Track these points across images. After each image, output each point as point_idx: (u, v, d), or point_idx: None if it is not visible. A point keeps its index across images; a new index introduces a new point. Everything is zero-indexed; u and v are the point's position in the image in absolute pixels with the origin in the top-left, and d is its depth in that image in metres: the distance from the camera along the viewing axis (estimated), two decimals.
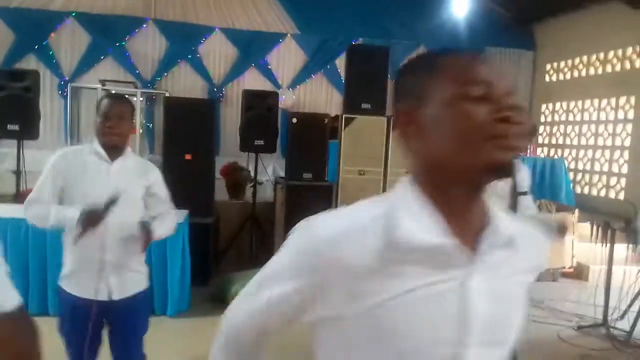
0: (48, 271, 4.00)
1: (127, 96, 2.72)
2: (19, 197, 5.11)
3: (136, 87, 5.93)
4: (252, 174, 6.19)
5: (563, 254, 5.93)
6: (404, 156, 0.82)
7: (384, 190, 5.59)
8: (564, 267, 5.93)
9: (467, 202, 0.79)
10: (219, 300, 4.53)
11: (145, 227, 2.27)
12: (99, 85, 5.84)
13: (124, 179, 2.27)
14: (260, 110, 5.72)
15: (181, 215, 4.18)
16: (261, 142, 5.68)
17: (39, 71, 5.63)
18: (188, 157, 5.32)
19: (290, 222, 5.53)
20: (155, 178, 2.45)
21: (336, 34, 8.78)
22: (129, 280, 2.34)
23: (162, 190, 2.47)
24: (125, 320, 2.33)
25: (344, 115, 5.45)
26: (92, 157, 2.30)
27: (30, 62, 7.78)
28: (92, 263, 2.22)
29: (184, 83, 8.48)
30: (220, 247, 5.94)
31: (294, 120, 5.48)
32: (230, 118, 8.44)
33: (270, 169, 7.17)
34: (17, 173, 5.08)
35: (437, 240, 0.74)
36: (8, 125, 4.88)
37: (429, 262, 0.74)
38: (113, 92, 6.25)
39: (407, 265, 0.74)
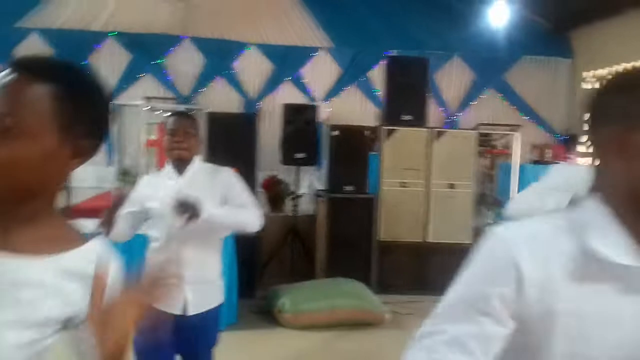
0: None
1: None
2: (68, 212, 5.25)
3: (178, 103, 6.05)
4: (291, 186, 6.23)
5: None
6: (597, 174, 0.80)
7: (426, 202, 5.57)
8: None
9: None
10: (266, 313, 4.56)
11: (187, 201, 2.21)
12: (141, 102, 5.97)
13: (193, 189, 2.30)
14: (300, 123, 5.77)
15: None
16: (302, 155, 5.72)
17: None
18: (233, 170, 5.39)
19: (333, 234, 5.57)
20: (227, 180, 2.46)
21: (369, 46, 8.80)
22: (206, 294, 2.35)
23: (237, 190, 2.45)
24: (197, 335, 2.35)
25: (384, 127, 5.45)
26: (163, 177, 2.38)
27: None
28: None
29: (220, 98, 8.59)
30: (261, 259, 5.98)
31: (335, 132, 5.51)
32: (266, 131, 8.50)
33: (305, 181, 7.21)
34: (66, 188, 5.20)
35: (634, 262, 0.73)
36: None
37: (622, 282, 0.73)
38: (179, 109, 6.41)
39: (602, 281, 0.73)
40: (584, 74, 8.88)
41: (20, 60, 0.75)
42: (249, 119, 5.67)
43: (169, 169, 2.43)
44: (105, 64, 8.30)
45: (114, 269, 0.87)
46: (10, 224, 0.78)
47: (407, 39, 8.82)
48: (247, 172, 5.70)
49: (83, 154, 0.80)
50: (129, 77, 8.28)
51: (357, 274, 5.13)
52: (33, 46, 7.98)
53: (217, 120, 5.55)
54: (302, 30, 8.79)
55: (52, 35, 8.02)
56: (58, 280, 0.79)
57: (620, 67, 8.02)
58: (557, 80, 9.23)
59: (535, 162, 7.22)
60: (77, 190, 5.51)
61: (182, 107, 5.93)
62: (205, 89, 8.60)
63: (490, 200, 6.36)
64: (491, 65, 8.99)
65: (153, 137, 6.13)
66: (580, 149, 8.82)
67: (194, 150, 2.38)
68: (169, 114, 2.55)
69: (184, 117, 2.42)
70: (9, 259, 0.76)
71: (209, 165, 2.52)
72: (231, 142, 5.33)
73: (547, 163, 7.30)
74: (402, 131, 5.43)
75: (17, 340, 0.73)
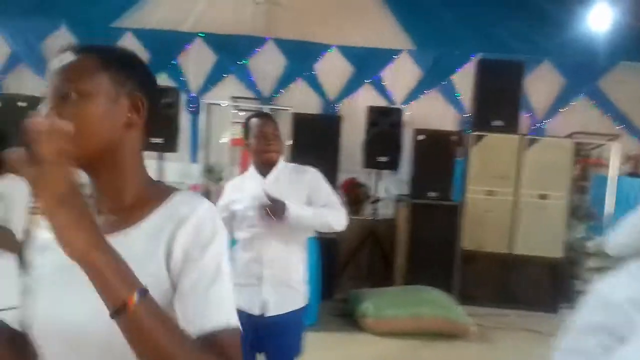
0: None
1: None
2: None
3: (261, 104, 6.14)
4: (370, 190, 6.16)
5: None
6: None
7: (515, 212, 5.32)
8: None
9: None
10: (348, 316, 4.52)
11: (272, 201, 2.19)
12: (227, 102, 6.11)
13: (278, 190, 2.28)
14: (384, 126, 5.68)
15: None
16: (385, 159, 5.63)
17: None
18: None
19: (413, 240, 5.44)
20: (313, 180, 2.43)
21: (453, 48, 8.57)
22: (287, 296, 2.32)
23: (323, 190, 2.43)
24: (277, 336, 2.31)
25: (472, 133, 5.26)
26: (247, 179, 2.38)
27: (161, 80, 8.34)
28: (251, 277, 2.25)
29: (300, 99, 8.65)
30: (340, 262, 5.94)
31: (420, 137, 5.38)
32: (346, 134, 8.50)
33: (383, 185, 7.11)
34: None
35: None
36: (151, 139, 5.20)
37: None
38: (263, 110, 6.53)
39: None
40: None
41: (70, 45, 0.87)
42: (332, 121, 5.67)
43: (252, 171, 2.43)
44: (193, 63, 8.58)
45: (201, 215, 0.86)
46: (100, 205, 0.87)
47: (492, 41, 8.50)
48: (329, 173, 5.68)
49: (140, 110, 0.88)
50: (214, 77, 8.53)
51: (437, 282, 4.97)
52: (127, 45, 8.36)
53: (302, 121, 5.57)
54: (384, 32, 8.69)
55: (145, 35, 8.39)
56: (148, 248, 0.83)
57: None
58: None
59: (631, 175, 6.75)
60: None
61: (267, 108, 6.00)
62: (285, 90, 8.71)
63: (584, 213, 5.99)
64: (584, 71, 8.50)
65: (237, 136, 6.25)
66: None
67: (281, 152, 2.40)
68: (251, 115, 2.54)
69: (271, 120, 2.42)
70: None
71: (293, 166, 2.50)
72: (314, 143, 5.34)
73: None
74: (491, 137, 5.21)
75: None
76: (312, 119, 5.62)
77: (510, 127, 5.23)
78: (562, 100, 8.70)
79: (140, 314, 0.69)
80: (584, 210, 5.95)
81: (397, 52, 8.68)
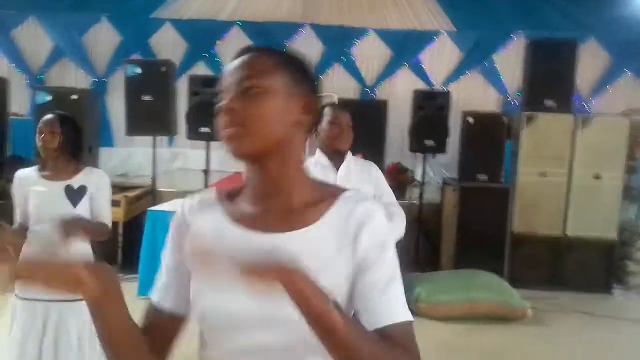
0: None
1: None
2: None
3: None
4: (415, 174, 6.12)
5: None
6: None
7: (568, 193, 5.22)
8: None
9: None
10: None
11: None
12: None
13: (350, 184, 2.29)
14: (430, 110, 5.61)
15: None
16: (431, 143, 5.58)
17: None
18: (360, 155, 5.38)
19: (462, 224, 5.39)
20: (376, 176, 2.44)
21: (493, 28, 8.38)
22: None
23: (384, 187, 2.45)
24: None
25: (524, 113, 5.16)
26: (317, 169, 2.37)
27: (199, 69, 8.40)
28: None
29: (337, 84, 8.61)
30: None
31: (470, 119, 5.30)
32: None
33: (428, 169, 7.04)
34: (206, 172, 5.47)
35: None
36: (200, 128, 5.27)
37: None
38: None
39: None
40: None
41: (248, 46, 0.94)
42: (377, 106, 5.63)
43: (322, 159, 2.43)
44: (231, 52, 8.45)
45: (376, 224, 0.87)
46: (268, 203, 0.89)
47: (534, 19, 8.30)
48: (375, 159, 5.64)
49: (311, 111, 0.90)
50: None
51: (487, 266, 4.91)
52: (166, 35, 8.47)
53: (345, 107, 5.55)
54: (422, 13, 8.55)
55: (183, 25, 8.45)
56: (335, 246, 0.86)
57: None
58: None
59: None
60: (212, 173, 5.76)
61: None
62: (323, 75, 8.68)
63: (635, 193, 5.83)
64: (631, 48, 8.24)
65: None
66: None
67: (350, 143, 2.41)
68: (325, 104, 2.54)
69: (345, 110, 2.43)
70: (278, 238, 0.85)
71: (355, 159, 2.53)
72: (358, 128, 5.31)
73: None
74: (543, 117, 5.10)
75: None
76: (355, 104, 5.58)
77: (563, 106, 5.10)
78: (607, 79, 8.46)
79: (344, 330, 0.74)
80: (636, 191, 5.79)
81: (436, 33, 8.53)
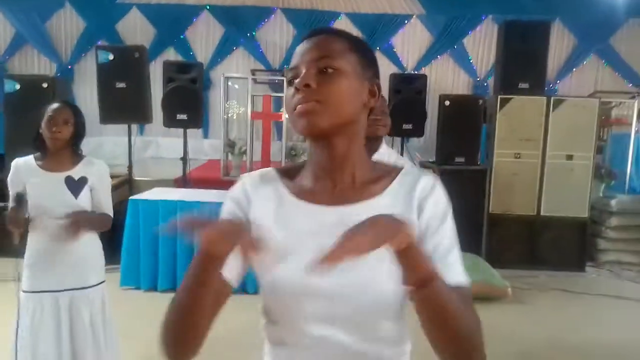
0: None
1: None
2: (186, 181, 5.44)
3: (284, 77, 6.07)
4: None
5: None
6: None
7: (541, 174, 5.36)
8: None
9: None
10: None
11: None
12: (248, 76, 6.04)
13: None
14: (408, 93, 5.64)
15: None
16: (409, 126, 5.62)
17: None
18: None
19: None
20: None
21: (463, 11, 8.47)
22: None
23: None
24: None
25: (499, 96, 5.25)
26: None
27: (169, 55, 8.22)
28: None
29: None
30: None
31: (447, 102, 5.36)
32: None
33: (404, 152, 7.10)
34: (184, 160, 5.38)
35: None
36: (177, 115, 5.17)
37: None
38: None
39: None
40: None
41: (320, 28, 0.96)
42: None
43: None
44: (201, 37, 8.45)
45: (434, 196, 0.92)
46: (333, 179, 0.93)
47: (504, 2, 8.42)
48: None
49: (375, 95, 0.94)
50: (223, 50, 8.41)
51: (466, 246, 4.97)
52: (133, 21, 8.24)
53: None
54: None
55: (150, 9, 8.23)
56: (404, 214, 0.90)
57: None
58: None
59: None
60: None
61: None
62: None
63: (605, 173, 6.03)
64: (594, 30, 8.45)
65: (258, 109, 6.20)
66: None
67: (388, 128, 2.34)
68: None
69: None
70: (345, 209, 0.89)
71: (390, 150, 2.49)
72: None
73: None
74: (517, 100, 5.20)
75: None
76: None
77: (536, 89, 5.22)
78: (573, 61, 8.67)
79: (439, 281, 0.78)
80: (605, 170, 5.99)
81: (407, 17, 8.57)
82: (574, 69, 8.73)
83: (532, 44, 5.19)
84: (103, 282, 2.38)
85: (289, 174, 0.98)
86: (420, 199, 0.91)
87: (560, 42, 8.52)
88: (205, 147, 8.35)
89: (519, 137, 5.29)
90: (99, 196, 2.27)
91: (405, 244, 0.74)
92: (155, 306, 4.05)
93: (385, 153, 2.39)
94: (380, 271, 0.83)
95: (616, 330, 4.12)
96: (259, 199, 0.94)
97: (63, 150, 2.21)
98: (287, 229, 0.90)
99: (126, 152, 5.30)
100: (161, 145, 8.38)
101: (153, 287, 4.20)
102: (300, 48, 0.92)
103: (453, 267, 0.87)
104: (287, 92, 0.90)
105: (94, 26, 8.13)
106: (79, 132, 2.25)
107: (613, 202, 5.67)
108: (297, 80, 0.87)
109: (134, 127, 5.41)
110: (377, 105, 2.48)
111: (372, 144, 2.34)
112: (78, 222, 2.09)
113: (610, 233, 5.70)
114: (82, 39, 8.17)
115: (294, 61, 0.91)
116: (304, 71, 0.88)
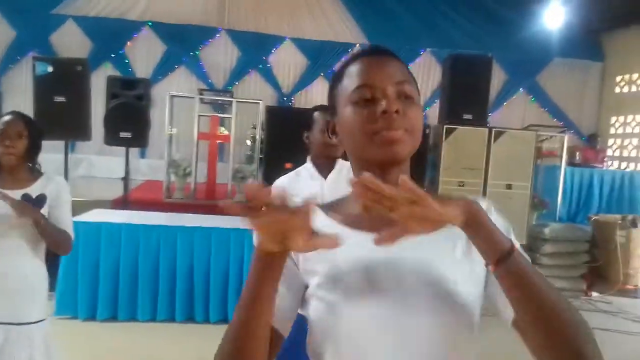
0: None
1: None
2: (126, 202, 5.16)
3: (232, 97, 5.95)
4: None
5: None
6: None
7: None
8: None
9: None
10: None
11: None
12: (196, 95, 5.87)
13: (337, 192, 2.24)
14: None
15: None
16: None
17: None
18: (288, 165, 5.32)
19: None
20: None
21: (404, 43, 8.77)
22: None
23: None
24: None
25: (444, 125, 5.42)
26: (304, 179, 2.30)
27: (107, 70, 7.88)
28: None
29: (254, 91, 8.52)
30: None
31: None
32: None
33: None
34: (125, 179, 5.12)
35: None
36: (120, 133, 4.92)
37: None
38: (207, 100, 6.30)
39: None
40: (618, 77, 8.94)
41: (380, 47, 0.90)
42: (306, 114, 5.60)
43: (310, 169, 2.34)
44: (141, 54, 8.19)
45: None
46: None
47: (440, 37, 8.81)
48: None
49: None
50: (164, 68, 8.19)
51: None
52: (69, 33, 7.86)
53: (274, 114, 5.49)
54: (338, 25, 8.74)
55: (88, 23, 7.90)
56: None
57: None
58: (587, 82, 9.30)
59: (571, 165, 7.23)
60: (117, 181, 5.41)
61: (234, 101, 5.83)
62: (239, 82, 8.53)
63: (537, 202, 6.35)
64: (524, 66, 9.02)
65: (205, 130, 6.04)
66: (608, 152, 8.91)
67: (341, 149, 2.31)
68: (317, 107, 2.43)
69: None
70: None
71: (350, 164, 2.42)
72: (288, 135, 5.27)
73: (580, 166, 7.35)
74: (462, 130, 5.39)
75: None
76: (286, 112, 5.53)
77: (479, 120, 5.44)
78: (503, 95, 9.19)
79: (518, 256, 0.74)
80: (537, 199, 6.30)
81: (351, 45, 8.74)
82: (504, 103, 9.25)
83: (476, 76, 5.42)
84: (46, 319, 2.07)
85: (332, 207, 0.92)
86: None
87: (492, 77, 8.99)
88: (143, 167, 8.03)
89: (462, 165, 5.47)
90: (57, 215, 2.06)
91: (474, 214, 0.72)
92: (95, 337, 3.79)
93: (345, 167, 2.35)
94: (454, 273, 0.81)
95: None
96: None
97: (18, 166, 2.01)
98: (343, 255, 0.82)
99: (55, 170, 4.95)
100: (94, 164, 7.97)
101: (92, 317, 3.91)
102: (369, 66, 0.84)
103: None
104: (356, 111, 0.83)
105: (26, 36, 7.67)
106: (34, 146, 2.06)
107: (546, 230, 5.96)
108: (383, 103, 0.80)
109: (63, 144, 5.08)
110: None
111: (326, 166, 2.32)
112: (22, 207, 1.91)
113: (543, 260, 5.96)
114: (11, 50, 7.68)
115: (365, 78, 0.83)
116: (388, 94, 0.81)
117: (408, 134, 0.81)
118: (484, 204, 0.86)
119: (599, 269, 5.98)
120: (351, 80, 0.85)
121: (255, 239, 0.70)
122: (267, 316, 0.75)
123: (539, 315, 0.73)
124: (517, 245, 0.81)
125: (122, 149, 5.15)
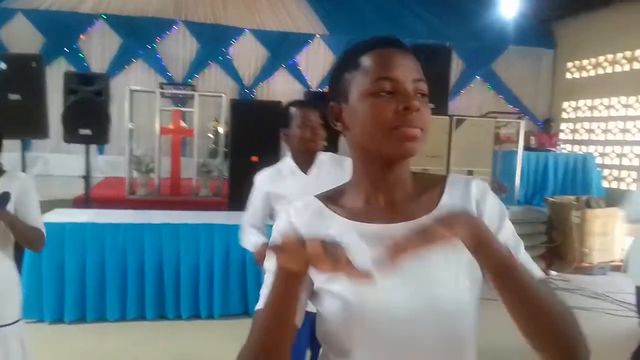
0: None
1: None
2: (88, 201, 5.04)
3: (194, 91, 5.87)
4: None
5: (613, 248, 6.12)
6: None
7: None
8: (612, 261, 6.12)
9: None
10: None
11: None
12: (157, 90, 5.76)
13: (320, 187, 2.23)
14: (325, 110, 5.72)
15: None
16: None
17: None
18: (255, 158, 5.30)
19: None
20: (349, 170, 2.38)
21: (364, 34, 8.73)
22: None
23: None
24: None
25: None
26: (286, 174, 2.28)
27: (60, 65, 7.63)
28: None
29: (215, 84, 8.42)
30: None
31: None
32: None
33: None
34: (86, 178, 5.00)
35: None
36: (80, 130, 4.80)
37: None
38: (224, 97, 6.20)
39: None
40: (568, 64, 9.26)
41: (392, 37, 0.88)
42: (275, 108, 5.58)
43: (290, 164, 2.31)
44: (96, 48, 7.96)
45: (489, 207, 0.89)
46: (393, 196, 0.89)
47: (400, 27, 8.90)
48: (271, 158, 5.60)
49: None
50: (120, 62, 7.98)
51: None
52: (19, 27, 7.56)
53: (239, 107, 5.46)
54: (298, 17, 8.70)
55: (38, 16, 7.61)
56: None
57: (606, 58, 8.42)
58: (540, 69, 9.60)
59: (527, 149, 7.46)
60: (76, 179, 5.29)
61: (196, 94, 5.75)
62: (199, 75, 8.40)
63: (496, 187, 6.54)
64: (480, 55, 9.23)
65: (167, 125, 5.94)
66: (561, 135, 9.25)
67: (323, 142, 2.29)
68: (293, 102, 2.39)
69: (316, 108, 2.30)
70: (409, 225, 0.83)
71: (331, 155, 2.40)
72: (254, 128, 5.26)
73: (536, 150, 7.60)
74: None
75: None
76: (251, 105, 5.50)
77: (441, 108, 5.55)
78: (461, 83, 9.38)
79: (518, 266, 0.75)
80: (495, 184, 6.49)
81: (311, 36, 8.74)
82: (462, 91, 9.45)
83: (436, 66, 5.52)
84: (20, 320, 2.03)
85: (331, 199, 0.93)
86: (477, 204, 0.88)
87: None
88: (101, 164, 7.83)
89: (426, 153, 5.58)
90: (25, 212, 1.98)
91: (478, 234, 0.72)
92: (63, 340, 3.70)
93: (325, 161, 2.31)
94: (457, 285, 0.82)
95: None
96: (305, 227, 0.87)
97: None
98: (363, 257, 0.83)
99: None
100: (50, 162, 7.72)
101: (59, 319, 3.82)
102: (389, 59, 0.84)
103: (526, 262, 0.84)
104: (375, 103, 0.82)
105: None
106: None
107: None
108: (406, 99, 0.81)
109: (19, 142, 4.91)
110: (314, 119, 2.38)
111: (306, 160, 2.30)
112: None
113: None
114: None
115: (387, 71, 0.83)
116: (408, 90, 0.82)
117: (423, 133, 0.83)
118: (480, 186, 0.90)
119: (556, 248, 6.22)
120: (370, 69, 0.84)
121: (270, 263, 0.74)
122: (294, 321, 0.81)
123: (533, 323, 0.76)
124: (518, 243, 0.87)
125: (80, 146, 5.01)
